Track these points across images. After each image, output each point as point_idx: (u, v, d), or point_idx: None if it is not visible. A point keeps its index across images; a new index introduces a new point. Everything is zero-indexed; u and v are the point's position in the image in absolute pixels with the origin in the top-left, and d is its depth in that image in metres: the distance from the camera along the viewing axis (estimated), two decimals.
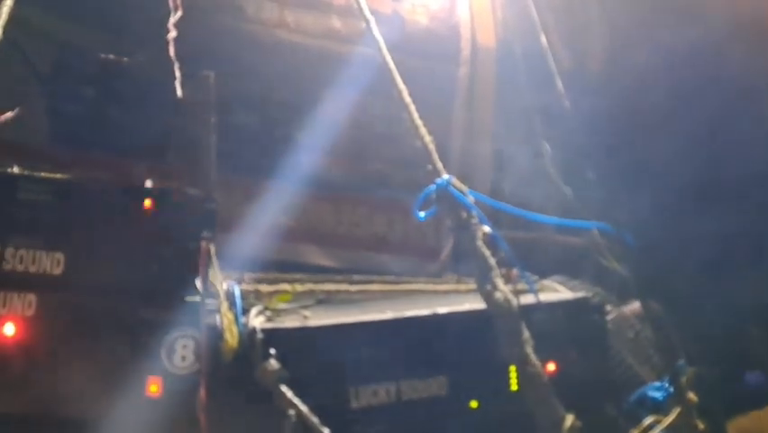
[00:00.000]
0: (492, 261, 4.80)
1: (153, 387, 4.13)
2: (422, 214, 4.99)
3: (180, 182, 4.88)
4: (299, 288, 5.16)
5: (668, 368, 5.32)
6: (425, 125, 5.26)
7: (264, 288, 5.04)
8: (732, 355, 6.27)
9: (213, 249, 4.56)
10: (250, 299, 4.82)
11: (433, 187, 4.96)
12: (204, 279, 4.41)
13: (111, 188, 4.40)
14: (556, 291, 5.85)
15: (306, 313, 4.84)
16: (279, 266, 5.95)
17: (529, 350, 4.58)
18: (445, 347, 4.94)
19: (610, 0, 7.55)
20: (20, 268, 4.04)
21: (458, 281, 6.16)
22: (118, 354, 4.10)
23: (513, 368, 4.94)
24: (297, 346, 4.47)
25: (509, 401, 4.90)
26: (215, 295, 4.44)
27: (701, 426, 5.10)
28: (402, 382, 4.75)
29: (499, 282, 4.74)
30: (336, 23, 7.03)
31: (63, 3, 5.86)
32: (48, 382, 4.02)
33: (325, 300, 5.26)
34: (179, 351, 4.23)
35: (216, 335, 4.29)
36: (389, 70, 5.34)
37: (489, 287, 4.73)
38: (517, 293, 4.78)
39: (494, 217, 5.84)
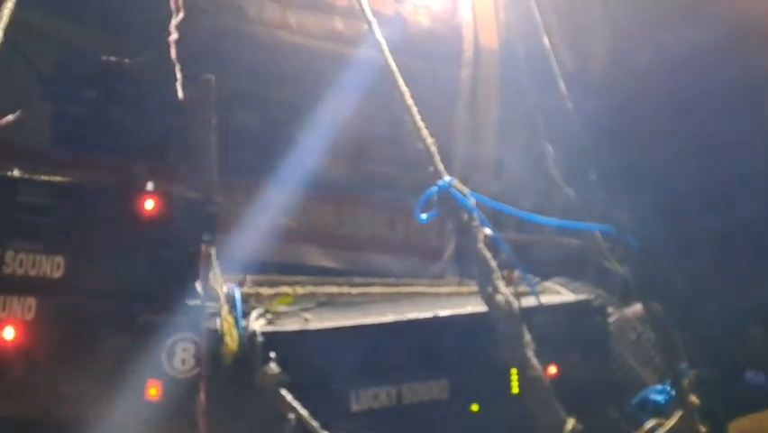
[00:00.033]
0: (493, 263, 4.79)
1: (153, 390, 4.12)
2: (423, 216, 4.98)
3: (181, 185, 4.88)
4: (300, 290, 5.15)
5: (670, 370, 5.30)
6: (426, 127, 5.25)
7: (265, 290, 5.03)
8: (734, 356, 6.25)
9: (213, 252, 4.56)
10: (251, 302, 4.81)
11: (434, 189, 4.95)
12: (204, 282, 4.40)
13: (111, 192, 4.38)
14: (558, 293, 5.84)
15: (307, 316, 4.82)
16: (281, 267, 5.95)
17: (530, 353, 4.57)
18: (446, 350, 4.93)
19: (613, 1, 7.52)
20: (20, 271, 4.02)
21: (460, 283, 6.15)
22: (118, 357, 4.08)
23: (514, 371, 4.93)
24: (298, 349, 4.46)
25: (510, 405, 4.89)
26: (216, 298, 4.43)
27: (703, 429, 5.09)
28: (403, 385, 4.74)
29: (501, 285, 4.73)
30: (339, 24, 7.02)
31: (64, 4, 5.85)
32: (47, 386, 4.00)
33: (327, 303, 5.24)
34: (179, 354, 4.21)
35: (217, 338, 4.27)
36: (391, 72, 5.34)
37: (490, 289, 4.72)
38: (519, 295, 4.78)
39: (496, 219, 5.86)
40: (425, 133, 5.22)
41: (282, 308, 4.90)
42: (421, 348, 4.87)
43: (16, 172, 4.24)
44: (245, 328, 4.39)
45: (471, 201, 4.95)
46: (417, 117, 5.26)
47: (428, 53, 7.25)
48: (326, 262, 6.64)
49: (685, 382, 5.21)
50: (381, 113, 6.84)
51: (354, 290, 5.46)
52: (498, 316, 4.66)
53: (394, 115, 6.30)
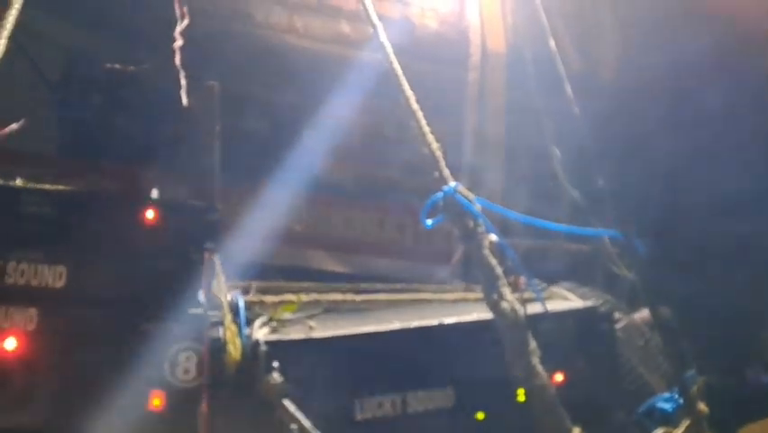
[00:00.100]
0: (499, 270, 4.75)
1: (156, 401, 4.11)
2: (429, 221, 4.95)
3: (184, 192, 4.88)
4: (305, 298, 5.12)
5: (677, 377, 5.22)
6: (432, 132, 5.21)
7: (269, 298, 5.00)
8: (744, 363, 6.17)
9: (217, 260, 4.54)
10: (255, 310, 4.79)
11: (439, 194, 4.91)
12: (207, 290, 4.38)
13: (113, 201, 4.39)
14: (565, 298, 5.79)
15: (312, 323, 4.80)
16: (287, 271, 5.94)
17: (536, 361, 4.54)
18: (451, 358, 4.88)
19: (622, 5, 7.46)
20: (21, 282, 4.03)
21: (466, 289, 6.11)
22: (120, 367, 4.07)
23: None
24: (302, 358, 4.43)
25: (516, 413, 4.84)
26: (219, 306, 4.41)
27: None
28: (408, 393, 4.70)
29: (506, 292, 4.69)
30: (345, 27, 7.00)
31: (73, 9, 5.85)
32: (49, 397, 4.00)
33: (332, 310, 5.21)
34: (182, 364, 4.20)
35: (220, 347, 4.26)
36: (396, 77, 5.30)
37: (495, 296, 4.69)
38: (525, 302, 4.73)
39: (504, 225, 5.81)
40: (430, 138, 5.18)
41: (287, 316, 4.88)
42: (426, 356, 4.83)
43: (18, 181, 4.24)
44: (248, 337, 4.37)
45: (477, 207, 4.91)
46: (423, 122, 5.22)
47: (435, 56, 7.21)
48: (335, 266, 6.63)
49: (693, 389, 5.13)
50: (388, 116, 6.81)
51: (359, 298, 5.42)
52: (504, 323, 4.63)
53: (401, 118, 6.29)
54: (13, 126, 5.09)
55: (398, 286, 6.01)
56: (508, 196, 7.07)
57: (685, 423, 5.09)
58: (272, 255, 6.08)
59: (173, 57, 5.67)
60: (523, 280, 5.25)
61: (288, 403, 4.19)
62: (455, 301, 5.74)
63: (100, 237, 4.23)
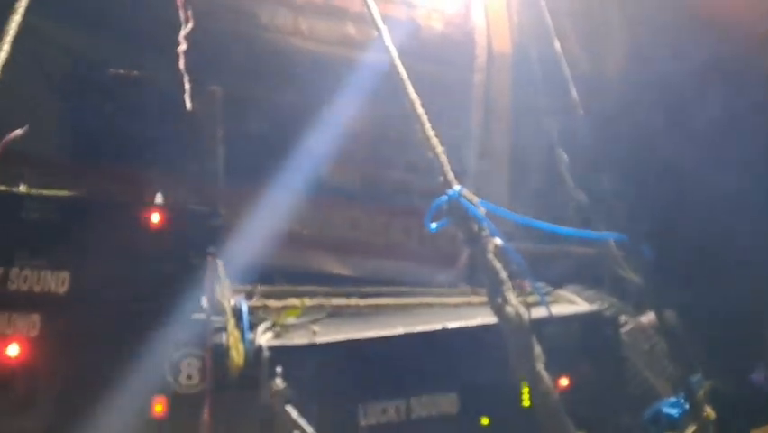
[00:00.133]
0: (503, 274, 4.73)
1: (159, 407, 4.11)
2: (433, 225, 4.93)
3: (188, 195, 4.88)
4: (308, 302, 5.11)
5: (684, 381, 5.18)
6: (437, 135, 5.20)
7: (273, 303, 4.99)
8: (748, 364, 6.12)
9: (220, 265, 4.54)
10: (258, 314, 4.78)
11: (444, 198, 4.90)
12: (210, 295, 4.38)
13: (115, 206, 4.39)
14: (571, 302, 5.76)
15: (316, 328, 4.78)
16: (294, 275, 5.93)
17: (540, 366, 4.51)
18: (456, 363, 4.86)
19: (630, 5, 7.41)
20: (24, 287, 4.03)
21: (472, 292, 6.08)
22: (123, 373, 4.07)
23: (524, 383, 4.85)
24: (305, 364, 4.42)
25: (521, 418, 4.82)
26: (222, 312, 4.41)
27: None
28: (412, 399, 4.68)
29: (511, 296, 4.67)
30: (351, 29, 6.98)
31: (78, 13, 5.86)
32: (52, 403, 4.01)
33: (336, 314, 5.20)
34: (185, 369, 4.20)
35: (223, 353, 4.25)
36: (401, 80, 5.29)
37: (499, 300, 4.67)
38: (529, 306, 4.71)
39: (510, 227, 5.79)
40: (434, 141, 5.17)
41: (291, 320, 4.87)
42: (430, 361, 4.81)
43: (22, 187, 4.24)
44: (252, 342, 4.36)
45: (481, 211, 4.89)
46: (427, 126, 5.21)
47: (441, 58, 7.19)
48: (341, 269, 6.60)
49: (700, 393, 5.09)
50: (394, 118, 6.79)
51: (363, 302, 5.41)
52: (508, 327, 4.61)
53: (406, 120, 6.27)
54: (18, 132, 5.11)
55: (403, 289, 5.99)
56: (514, 198, 7.06)
57: (691, 428, 5.06)
58: (277, 258, 6.07)
59: (177, 60, 5.68)
60: (528, 283, 5.23)
61: (290, 409, 4.18)
62: (460, 305, 5.71)
63: (103, 243, 4.22)
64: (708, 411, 5.03)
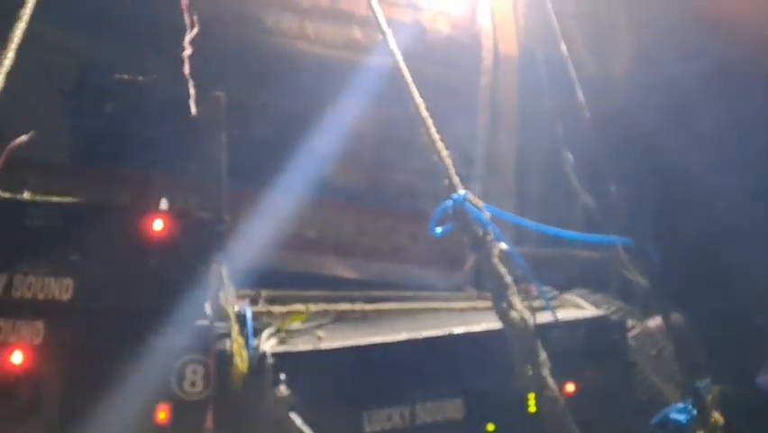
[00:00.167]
0: (509, 279, 4.70)
1: (162, 414, 4.11)
2: (438, 230, 4.91)
3: (194, 200, 4.87)
4: (313, 308, 5.09)
5: (692, 386, 5.13)
6: (442, 139, 5.18)
7: (277, 309, 4.98)
8: (756, 367, 6.05)
9: (224, 270, 4.53)
10: (263, 320, 4.77)
11: (449, 202, 4.88)
12: (214, 302, 4.37)
13: (119, 213, 4.39)
14: (577, 306, 5.72)
15: (320, 333, 4.77)
16: (300, 278, 5.92)
17: (546, 372, 4.48)
18: (461, 368, 4.83)
19: (637, 7, 7.37)
20: (28, 295, 4.03)
21: (478, 297, 6.06)
22: (127, 380, 4.06)
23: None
24: (309, 370, 4.41)
25: (527, 424, 4.79)
26: (226, 318, 4.40)
27: None
28: (417, 405, 4.66)
29: (516, 301, 4.64)
30: (357, 33, 6.98)
31: (85, 18, 5.88)
32: (56, 410, 4.01)
33: (341, 319, 5.18)
34: (189, 376, 4.19)
35: (226, 359, 4.24)
36: (406, 84, 5.27)
37: (504, 305, 4.64)
38: (535, 311, 4.68)
39: (518, 231, 5.76)
40: (439, 145, 5.15)
41: (296, 326, 4.85)
42: (435, 367, 4.79)
43: (26, 194, 4.25)
44: (256, 349, 4.35)
45: (486, 215, 4.86)
46: (432, 129, 5.19)
47: (447, 60, 7.18)
48: (347, 272, 6.60)
49: (708, 398, 5.04)
50: (401, 121, 6.77)
51: (368, 307, 5.38)
52: (513, 333, 4.58)
53: (413, 123, 6.25)
54: (23, 138, 5.12)
55: (408, 294, 5.97)
56: (521, 200, 7.04)
57: None
58: (284, 262, 6.08)
59: (182, 65, 5.68)
60: (534, 288, 5.21)
61: (294, 416, 4.16)
62: (465, 310, 5.69)
63: (106, 250, 4.23)
64: (717, 417, 4.98)
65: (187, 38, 5.78)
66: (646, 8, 7.26)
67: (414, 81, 5.24)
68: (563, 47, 6.56)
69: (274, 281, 5.54)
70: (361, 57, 6.68)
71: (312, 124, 6.49)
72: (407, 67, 5.27)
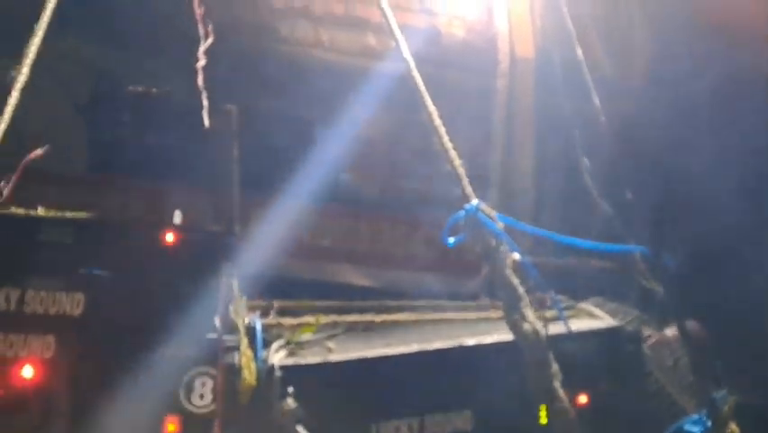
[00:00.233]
0: (521, 289, 4.67)
1: (171, 426, 4.14)
2: (451, 240, 4.89)
3: (204, 214, 4.90)
4: (323, 320, 5.09)
5: (707, 397, 5.04)
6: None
7: (287, 321, 4.98)
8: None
9: (235, 283, 4.55)
10: (273, 332, 4.79)
11: (461, 213, 4.85)
12: (223, 315, 4.39)
13: (130, 228, 4.43)
14: (592, 315, 5.66)
15: (331, 345, 4.79)
16: (315, 286, 5.93)
17: (557, 385, 4.45)
18: (471, 380, 4.80)
19: (652, 7, 7.28)
20: (40, 310, 4.08)
21: (492, 306, 6.00)
22: (136, 393, 4.10)
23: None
24: (318, 382, 4.42)
25: None
26: (236, 331, 4.42)
27: None
28: (426, 416, 4.65)
29: (528, 313, 4.61)
30: (371, 40, 6.96)
31: (98, 31, 5.93)
32: (66, 423, 4.06)
33: (352, 329, 5.18)
34: (198, 389, 4.22)
35: (235, 372, 4.26)
36: (419, 93, 5.25)
37: (516, 317, 4.61)
38: (548, 322, 4.64)
39: (536, 240, 5.71)
40: (452, 154, 5.13)
41: (306, 337, 4.87)
42: (445, 378, 4.77)
43: (39, 210, 4.30)
44: (264, 362, 4.37)
45: (499, 225, 4.83)
46: (445, 138, 5.17)
47: (463, 65, 7.14)
48: (360, 280, 6.59)
49: (725, 409, 4.96)
50: (416, 128, 6.75)
51: (379, 318, 5.37)
52: (525, 344, 4.55)
53: (428, 130, 6.23)
54: (39, 151, 5.18)
55: (422, 303, 5.94)
56: (538, 203, 6.98)
57: None
58: (297, 269, 6.09)
59: (196, 76, 5.71)
60: (548, 297, 5.17)
61: (301, 429, 4.18)
62: (478, 321, 5.65)
63: (117, 264, 4.27)
64: (733, 428, 4.89)
65: (202, 48, 5.81)
66: (661, 6, 7.16)
67: (430, 86, 5.23)
68: (579, 51, 6.49)
69: (288, 289, 5.56)
70: (376, 64, 6.67)
71: (327, 132, 6.49)
72: (423, 72, 5.27)
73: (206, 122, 5.51)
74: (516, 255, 4.80)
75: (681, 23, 6.70)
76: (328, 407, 4.38)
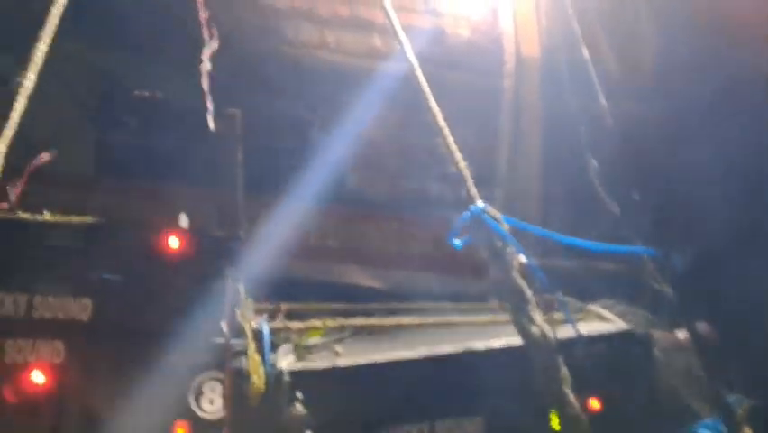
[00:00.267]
0: (528, 292, 4.62)
1: (180, 431, 4.13)
2: (457, 242, 4.86)
3: (210, 217, 4.89)
4: (331, 323, 5.07)
5: (721, 401, 4.99)
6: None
7: (295, 324, 4.96)
8: None
9: (241, 287, 4.54)
10: (281, 335, 4.76)
11: (467, 214, 4.82)
12: (230, 319, 4.38)
13: (137, 232, 4.41)
14: (602, 318, 5.62)
15: (339, 348, 4.76)
16: (322, 287, 5.92)
17: (567, 389, 4.39)
18: (481, 385, 4.77)
19: (659, 5, 7.25)
20: (48, 315, 4.08)
21: (501, 309, 5.97)
22: (145, 398, 4.09)
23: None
24: (326, 387, 4.40)
25: None
26: (243, 335, 4.41)
27: None
28: (436, 422, 4.61)
29: (536, 316, 4.56)
30: (377, 41, 6.95)
31: (104, 35, 5.92)
32: (76, 429, 4.05)
33: (360, 332, 5.15)
34: (207, 394, 4.21)
35: (243, 377, 4.25)
36: (424, 94, 5.22)
37: (524, 320, 4.57)
38: (556, 325, 4.60)
39: (544, 242, 5.67)
40: (457, 156, 5.08)
41: (313, 341, 4.84)
42: (455, 383, 4.73)
43: (46, 215, 4.29)
44: (273, 366, 4.35)
45: (505, 227, 4.79)
46: (450, 139, 5.13)
47: (468, 65, 7.12)
48: (367, 281, 6.57)
49: (739, 413, 4.90)
50: (422, 128, 6.73)
51: (388, 322, 5.34)
52: (534, 349, 4.51)
53: (435, 131, 6.21)
54: (46, 155, 5.17)
55: (430, 306, 5.92)
56: (546, 204, 6.96)
57: None
58: (305, 271, 6.08)
59: (201, 79, 5.70)
60: (556, 300, 5.13)
61: None
62: (487, 324, 5.61)
63: (125, 269, 4.27)
64: (747, 432, 4.83)
65: (206, 52, 5.79)
66: (669, 8, 7.13)
67: (435, 86, 5.18)
68: (585, 51, 6.45)
69: (295, 291, 5.54)
70: (382, 65, 6.65)
71: (333, 133, 6.48)
72: (429, 72, 5.22)
73: (211, 125, 5.52)
74: (523, 258, 4.76)
75: (683, 22, 6.68)
76: (337, 412, 4.36)
